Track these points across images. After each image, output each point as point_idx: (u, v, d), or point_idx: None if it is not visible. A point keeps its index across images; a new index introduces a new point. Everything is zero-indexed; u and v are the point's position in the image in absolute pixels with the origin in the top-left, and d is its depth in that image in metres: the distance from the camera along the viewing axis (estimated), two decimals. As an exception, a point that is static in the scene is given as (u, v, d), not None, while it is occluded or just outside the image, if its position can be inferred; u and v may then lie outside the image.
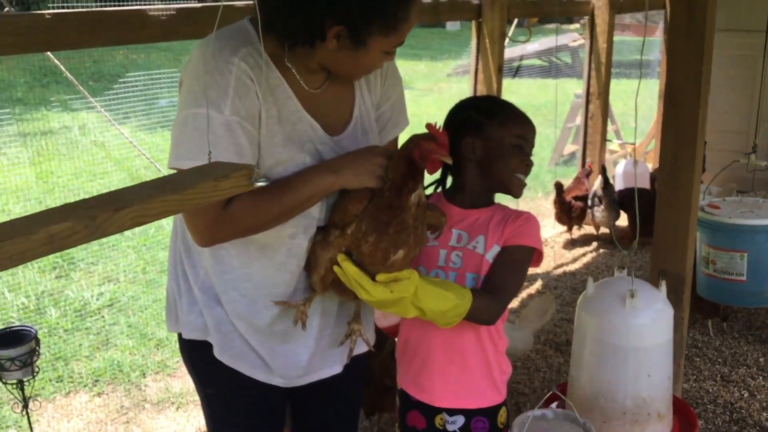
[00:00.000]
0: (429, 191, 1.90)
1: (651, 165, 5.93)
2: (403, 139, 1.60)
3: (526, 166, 1.77)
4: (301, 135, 1.52)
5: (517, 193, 1.80)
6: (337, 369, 1.71)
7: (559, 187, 5.09)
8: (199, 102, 1.40)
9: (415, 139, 1.49)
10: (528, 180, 1.83)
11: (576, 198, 5.10)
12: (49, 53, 2.54)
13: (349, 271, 1.49)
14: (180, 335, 1.68)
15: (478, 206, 1.80)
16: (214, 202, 1.41)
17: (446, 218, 1.70)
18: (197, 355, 1.66)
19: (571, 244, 5.17)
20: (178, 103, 1.47)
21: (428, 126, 1.50)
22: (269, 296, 1.58)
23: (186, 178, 0.98)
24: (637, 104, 1.98)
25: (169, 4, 2.52)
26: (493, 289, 1.70)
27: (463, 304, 1.60)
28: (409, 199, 1.48)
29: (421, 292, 1.54)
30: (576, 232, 5.28)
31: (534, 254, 1.79)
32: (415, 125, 1.82)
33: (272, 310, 1.59)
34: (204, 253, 1.58)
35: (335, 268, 1.52)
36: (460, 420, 1.82)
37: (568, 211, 5.07)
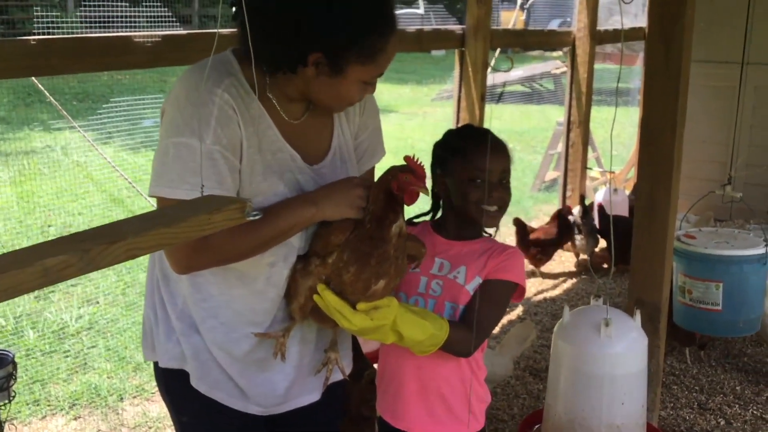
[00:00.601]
0: (419, 220, 1.94)
1: (630, 192, 6.00)
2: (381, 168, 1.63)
3: (493, 196, 1.77)
4: (281, 164, 1.54)
5: (488, 223, 1.82)
6: (315, 396, 1.72)
7: (518, 224, 4.89)
8: (181, 131, 1.43)
9: (392, 171, 1.52)
10: (510, 205, 1.87)
11: (535, 243, 4.89)
12: (33, 78, 2.54)
13: (329, 300, 1.51)
14: (156, 364, 1.68)
15: (463, 238, 1.83)
16: None
17: (426, 249, 1.73)
18: (173, 384, 1.66)
19: (551, 270, 5.20)
20: (160, 132, 1.49)
21: (406, 158, 1.53)
22: (248, 324, 1.59)
23: (179, 212, 0.99)
24: (619, 132, 2.01)
25: (155, 30, 2.55)
26: (471, 322, 1.72)
27: (440, 335, 1.62)
28: (391, 231, 1.50)
29: (399, 320, 1.56)
30: (555, 258, 5.31)
31: (516, 289, 1.82)
32: (400, 149, 1.85)
33: (251, 339, 1.59)
34: (182, 281, 1.59)
35: (315, 297, 1.53)
36: None
37: (526, 251, 4.87)
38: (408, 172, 1.50)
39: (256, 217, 1.03)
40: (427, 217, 1.95)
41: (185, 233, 0.96)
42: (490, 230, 1.90)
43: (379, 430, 1.93)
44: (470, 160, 1.80)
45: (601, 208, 5.05)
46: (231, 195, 1.46)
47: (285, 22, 1.42)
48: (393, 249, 1.51)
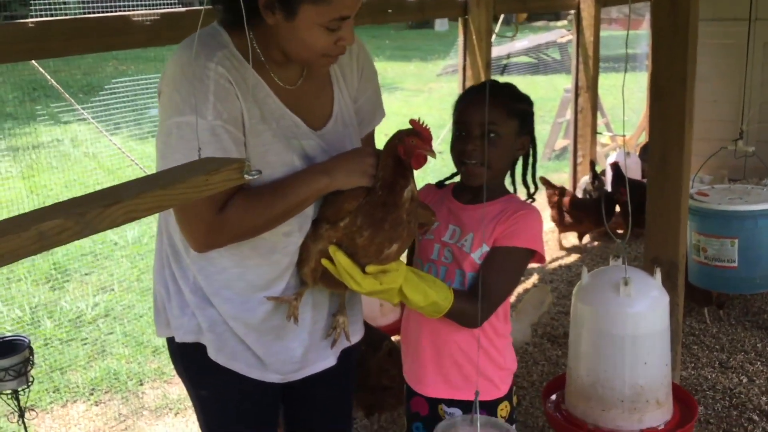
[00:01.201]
0: (450, 182, 1.90)
1: (639, 153, 5.94)
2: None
3: (467, 150, 1.72)
4: (286, 131, 1.53)
5: (466, 181, 1.77)
6: (331, 361, 1.72)
7: (544, 183, 4.72)
8: (181, 110, 1.41)
9: (399, 135, 1.50)
10: (518, 176, 1.81)
11: (558, 205, 4.78)
12: (34, 62, 2.53)
13: (341, 261, 1.49)
14: (171, 339, 1.67)
15: (477, 202, 1.77)
16: (208, 207, 1.42)
17: (435, 216, 1.71)
18: (189, 358, 1.66)
19: (565, 236, 5.17)
20: (159, 113, 1.48)
21: (411, 122, 1.51)
22: (262, 291, 1.58)
23: (177, 174, 0.98)
24: (627, 97, 1.96)
25: (154, 9, 2.52)
26: (480, 292, 1.68)
27: (442, 305, 1.62)
28: (403, 196, 1.49)
29: (404, 284, 1.56)
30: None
31: (529, 254, 1.74)
32: (406, 125, 1.82)
33: (265, 306, 1.59)
34: (193, 255, 1.57)
35: (324, 261, 1.52)
36: (458, 413, 1.82)
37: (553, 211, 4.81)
38: (414, 135, 1.48)
39: (256, 176, 1.01)
40: (457, 179, 1.90)
41: (183, 194, 0.94)
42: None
43: (406, 389, 1.93)
44: (456, 112, 1.78)
45: (615, 166, 4.95)
46: None
47: None
48: (406, 213, 1.50)
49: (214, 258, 1.56)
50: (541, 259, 1.78)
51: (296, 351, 1.65)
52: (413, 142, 1.47)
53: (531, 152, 1.84)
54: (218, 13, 1.50)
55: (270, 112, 1.51)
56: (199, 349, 1.62)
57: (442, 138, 5.56)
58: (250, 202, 1.46)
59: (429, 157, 1.51)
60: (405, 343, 1.90)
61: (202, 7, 1.35)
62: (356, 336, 1.78)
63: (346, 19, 1.45)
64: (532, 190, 1.85)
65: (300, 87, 1.57)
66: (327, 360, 1.71)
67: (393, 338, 2.79)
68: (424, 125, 1.50)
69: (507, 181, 1.86)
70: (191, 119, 1.39)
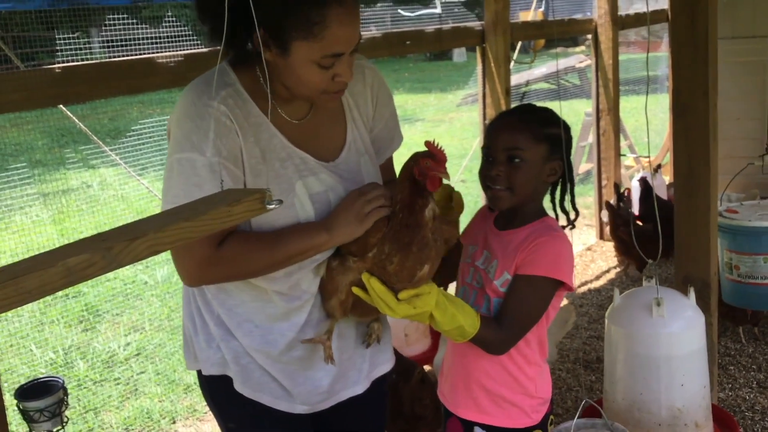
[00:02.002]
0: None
1: (667, 178, 5.89)
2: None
3: (491, 174, 1.71)
4: (291, 171, 1.53)
5: (492, 205, 1.77)
6: (359, 389, 1.71)
7: (608, 208, 4.69)
8: (182, 147, 1.44)
9: (414, 157, 1.51)
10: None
11: (619, 237, 4.65)
12: (61, 106, 2.59)
13: (376, 289, 1.49)
14: (199, 372, 1.68)
15: (510, 227, 1.76)
16: (205, 241, 1.42)
17: (458, 232, 1.71)
18: (217, 391, 1.66)
19: (593, 261, 5.13)
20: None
21: (427, 143, 1.51)
22: (283, 322, 1.59)
23: (199, 206, 1.00)
24: (649, 119, 1.94)
25: (177, 51, 2.57)
26: (502, 321, 1.69)
27: (468, 331, 1.62)
28: (425, 215, 1.49)
29: (435, 306, 1.56)
30: (597, 249, 5.23)
31: (553, 283, 1.69)
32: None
33: (286, 338, 1.59)
34: (213, 288, 1.59)
35: (355, 289, 1.53)
36: None
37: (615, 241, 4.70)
38: (428, 157, 1.48)
39: (277, 206, 1.03)
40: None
41: (206, 226, 0.95)
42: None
43: (443, 409, 1.92)
44: (485, 137, 1.78)
45: (644, 181, 4.87)
46: None
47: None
48: (431, 233, 1.50)
49: (232, 291, 1.57)
50: (568, 287, 1.73)
51: (323, 381, 1.64)
52: (427, 163, 1.47)
53: (567, 177, 1.81)
54: (227, 47, 1.52)
55: (275, 153, 1.51)
56: (226, 381, 1.62)
57: (464, 167, 5.57)
58: (249, 243, 1.48)
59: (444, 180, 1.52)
60: (444, 363, 1.91)
61: (219, 47, 1.38)
62: (387, 365, 1.77)
63: (340, 56, 1.44)
64: (572, 216, 1.83)
65: (309, 120, 1.58)
66: (355, 387, 1.70)
67: (426, 367, 2.77)
68: (439, 147, 1.50)
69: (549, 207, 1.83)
70: (191, 156, 1.42)
